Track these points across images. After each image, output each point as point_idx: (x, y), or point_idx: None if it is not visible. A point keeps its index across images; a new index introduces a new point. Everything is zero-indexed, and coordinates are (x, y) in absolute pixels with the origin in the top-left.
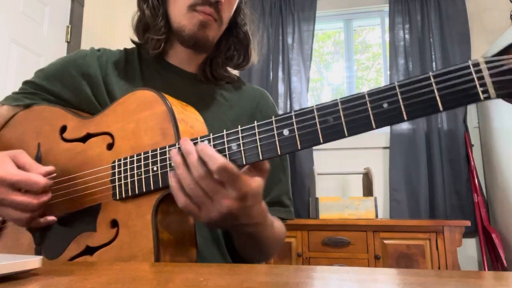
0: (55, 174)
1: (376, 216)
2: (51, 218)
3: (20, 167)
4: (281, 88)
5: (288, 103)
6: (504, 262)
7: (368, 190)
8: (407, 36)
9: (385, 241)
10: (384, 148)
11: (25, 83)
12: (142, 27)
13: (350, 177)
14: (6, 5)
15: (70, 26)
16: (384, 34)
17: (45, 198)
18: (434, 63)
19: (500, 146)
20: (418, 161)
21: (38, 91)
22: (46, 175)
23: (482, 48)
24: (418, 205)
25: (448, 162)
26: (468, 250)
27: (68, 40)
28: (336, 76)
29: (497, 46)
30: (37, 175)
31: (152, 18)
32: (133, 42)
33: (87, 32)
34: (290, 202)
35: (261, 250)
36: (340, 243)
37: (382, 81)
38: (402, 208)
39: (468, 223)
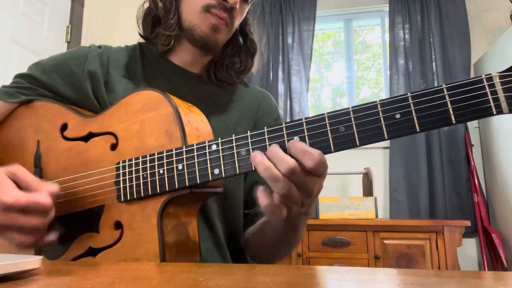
0: (59, 191)
1: (376, 216)
2: (52, 237)
3: (21, 186)
4: (281, 88)
5: (288, 103)
6: (504, 262)
7: (368, 190)
8: (407, 36)
9: (385, 241)
10: (384, 148)
11: (20, 76)
12: (151, 20)
13: (350, 177)
14: (6, 5)
15: (70, 26)
16: (384, 34)
17: (51, 216)
18: (434, 63)
19: (500, 146)
20: (418, 161)
21: (34, 85)
22: (51, 193)
23: (482, 48)
24: (418, 205)
25: (448, 162)
26: (468, 250)
27: (68, 40)
28: (336, 76)
29: (497, 46)
30: (43, 194)
31: (165, 13)
32: (141, 36)
33: (87, 32)
34: None
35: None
36: (340, 243)
37: (382, 81)
38: (402, 208)
39: (468, 223)
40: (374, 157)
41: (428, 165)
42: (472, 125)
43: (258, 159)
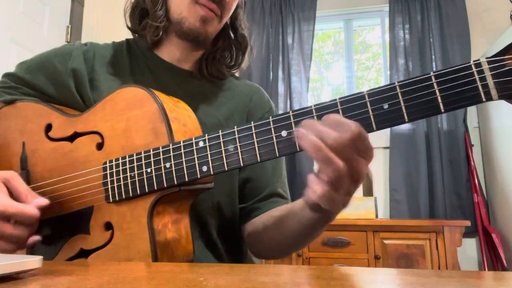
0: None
1: (376, 216)
2: (36, 238)
3: (13, 194)
4: (281, 88)
5: (288, 103)
6: (504, 262)
7: (368, 190)
8: (407, 36)
9: (385, 241)
10: (384, 148)
11: (6, 75)
12: (138, 13)
13: None
14: (6, 5)
15: (70, 26)
16: (384, 34)
17: (34, 228)
18: (434, 63)
19: (500, 146)
20: (418, 161)
21: (19, 84)
22: (39, 207)
23: (482, 48)
24: (418, 205)
25: (448, 162)
26: (468, 250)
27: (68, 40)
28: (336, 76)
29: (497, 46)
30: (33, 207)
31: (152, 4)
32: (129, 29)
33: (87, 32)
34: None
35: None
36: (340, 243)
37: (382, 81)
38: (402, 208)
39: (468, 223)
40: (374, 157)
41: (428, 165)
42: (472, 125)
43: (305, 137)
